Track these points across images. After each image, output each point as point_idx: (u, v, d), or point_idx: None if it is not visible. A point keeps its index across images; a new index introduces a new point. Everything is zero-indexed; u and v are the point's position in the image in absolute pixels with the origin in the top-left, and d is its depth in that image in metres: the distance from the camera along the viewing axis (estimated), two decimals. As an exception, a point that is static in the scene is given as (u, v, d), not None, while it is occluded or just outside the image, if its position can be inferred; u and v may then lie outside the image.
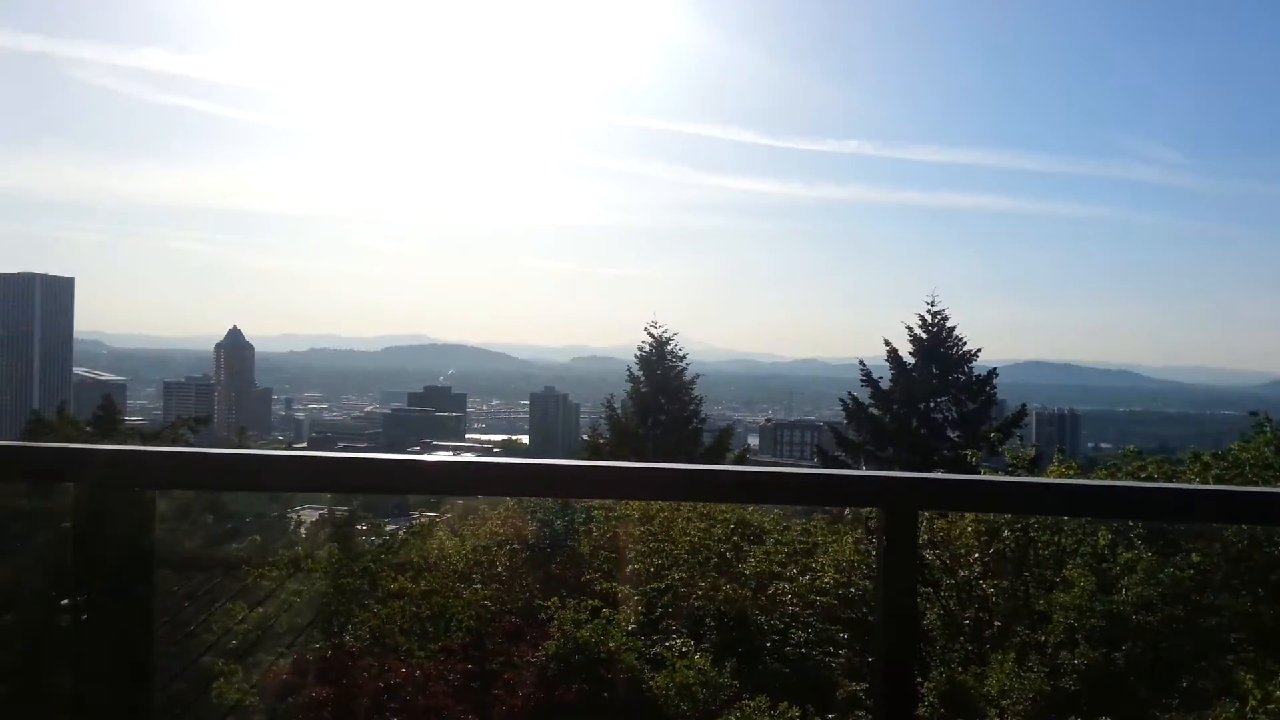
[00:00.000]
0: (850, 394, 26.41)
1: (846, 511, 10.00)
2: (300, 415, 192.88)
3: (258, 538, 12.57)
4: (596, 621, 6.89)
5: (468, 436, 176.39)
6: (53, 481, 4.32)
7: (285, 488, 8.69)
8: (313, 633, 7.90)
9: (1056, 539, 8.41)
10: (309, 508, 17.06)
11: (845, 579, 8.58)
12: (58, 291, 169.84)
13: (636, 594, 8.54)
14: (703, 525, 9.35)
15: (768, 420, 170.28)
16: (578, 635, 6.76)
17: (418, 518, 16.03)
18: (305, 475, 2.42)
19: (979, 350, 26.43)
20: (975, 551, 8.35)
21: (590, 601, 7.33)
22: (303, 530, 14.92)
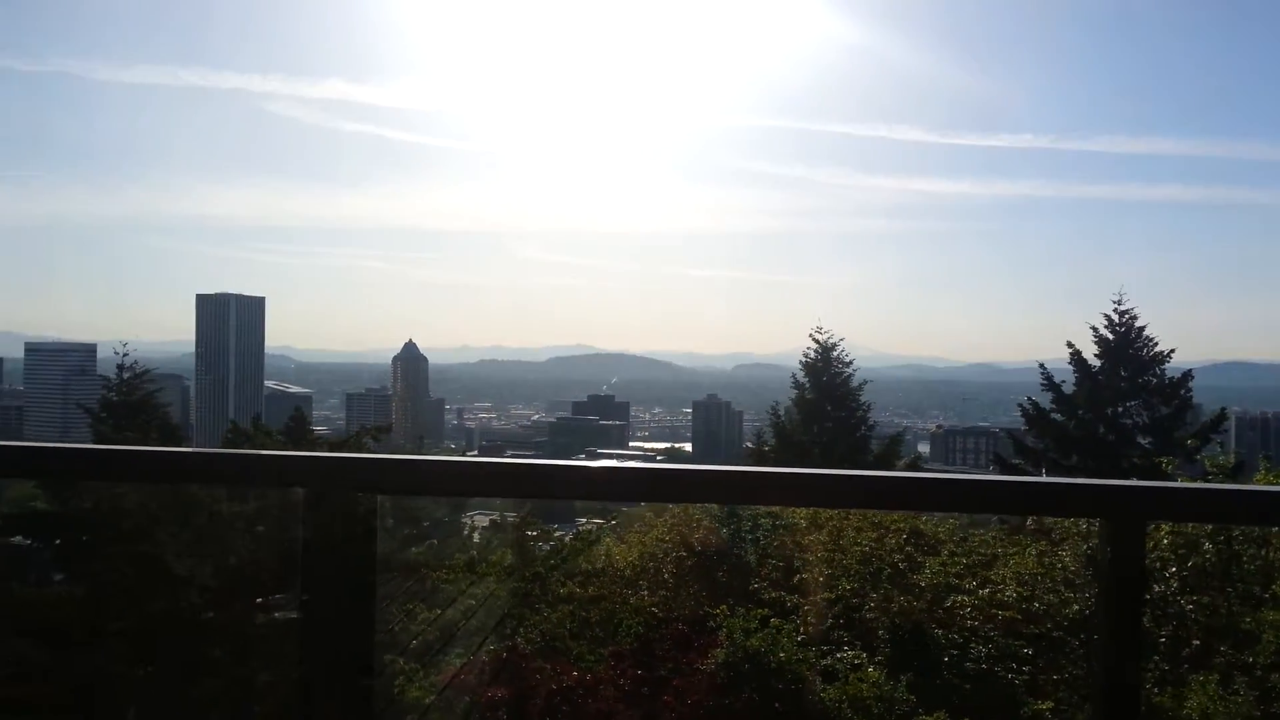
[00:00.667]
0: (1029, 399, 25.28)
1: (1028, 521, 9.53)
2: (471, 424, 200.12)
3: (435, 542, 13.07)
4: (766, 630, 6.80)
5: (630, 444, 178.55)
6: (285, 488, 4.62)
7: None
8: (488, 635, 8.11)
9: (1264, 553, 7.80)
10: (480, 513, 17.62)
11: (1028, 592, 8.18)
12: (250, 310, 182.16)
13: (806, 604, 8.38)
14: (874, 535, 9.10)
15: (939, 427, 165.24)
16: (747, 644, 6.69)
17: (585, 524, 16.30)
18: (511, 483, 2.50)
19: (1172, 351, 24.77)
20: (1172, 565, 7.83)
21: (759, 611, 7.25)
22: (476, 536, 15.41)
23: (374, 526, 2.32)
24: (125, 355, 14.24)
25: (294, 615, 11.51)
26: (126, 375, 14.26)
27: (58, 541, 12.71)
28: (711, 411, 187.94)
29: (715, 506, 9.91)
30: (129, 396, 14.26)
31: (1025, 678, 7.71)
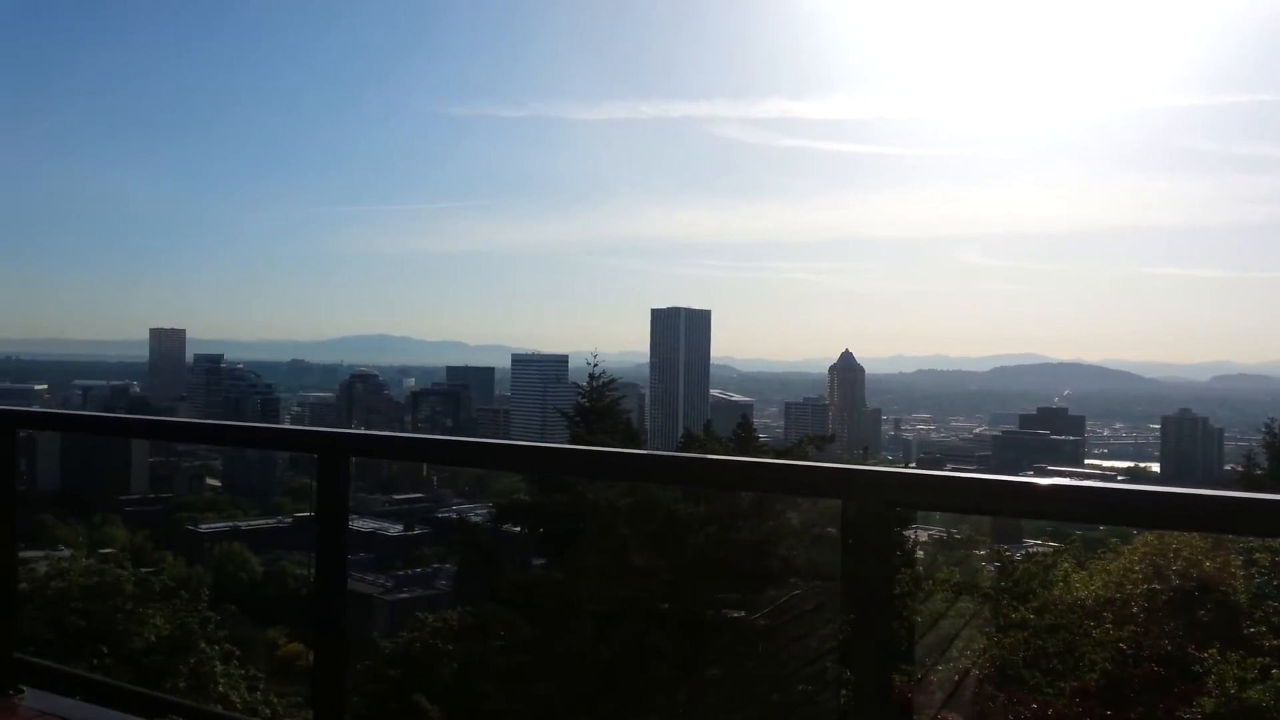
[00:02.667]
0: None
1: None
2: (909, 436, 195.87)
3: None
4: (1268, 683, 5.88)
5: (1086, 462, 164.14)
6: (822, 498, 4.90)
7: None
8: (936, 655, 7.85)
9: None
10: (921, 527, 17.11)
11: None
12: (698, 323, 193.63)
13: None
14: None
15: None
16: (1244, 696, 5.82)
17: (1036, 546, 15.21)
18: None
19: None
20: None
21: (1258, 660, 6.29)
22: (919, 551, 14.99)
23: (896, 541, 2.38)
24: (595, 365, 15.77)
25: (738, 614, 12.04)
26: (596, 383, 15.76)
27: (540, 530, 14.34)
28: (1184, 428, 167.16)
29: (1197, 536, 8.76)
30: (598, 403, 15.74)
31: None
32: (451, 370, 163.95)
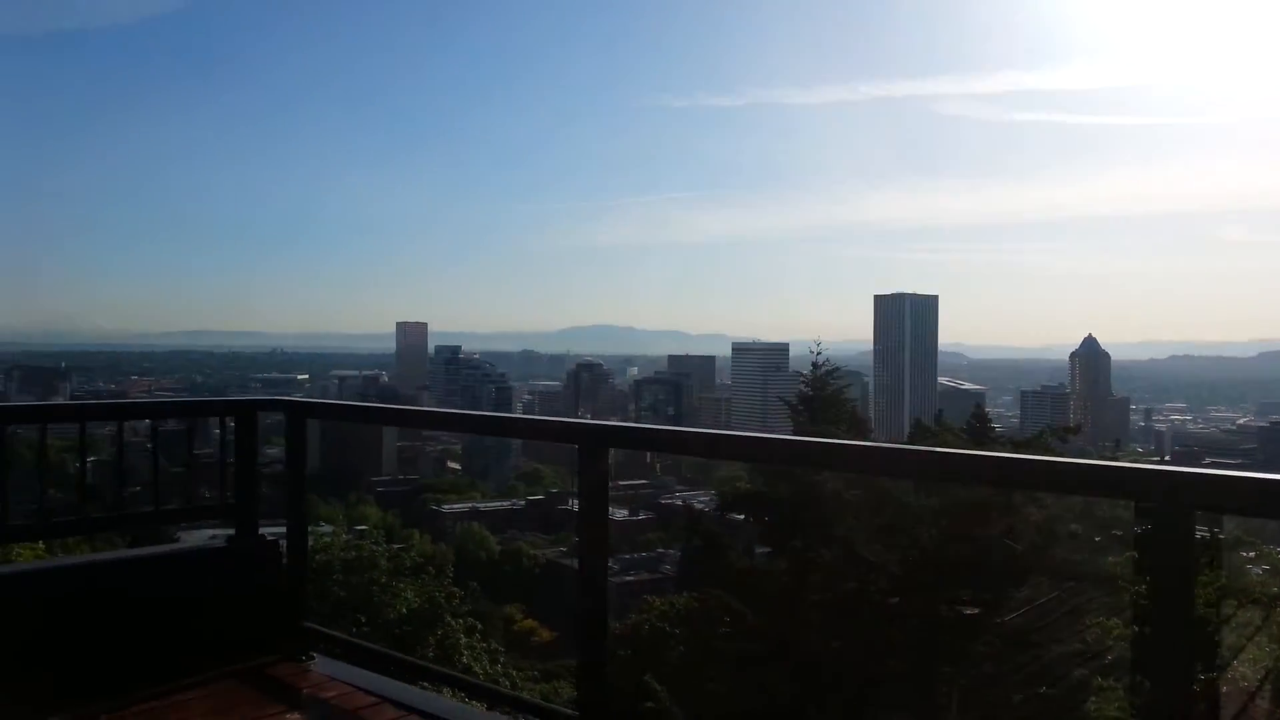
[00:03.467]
0: None
1: None
2: (1161, 427, 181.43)
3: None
4: None
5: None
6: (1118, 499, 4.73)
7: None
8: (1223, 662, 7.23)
9: None
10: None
11: None
12: (924, 309, 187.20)
13: None
14: None
15: None
16: None
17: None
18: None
19: None
20: None
21: None
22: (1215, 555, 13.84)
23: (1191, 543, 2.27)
24: (818, 354, 15.54)
25: (973, 612, 11.55)
26: (819, 371, 15.52)
27: (765, 519, 14.30)
28: None
29: None
30: (821, 391, 15.51)
31: None
32: (673, 359, 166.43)
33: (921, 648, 11.03)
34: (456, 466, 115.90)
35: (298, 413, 5.43)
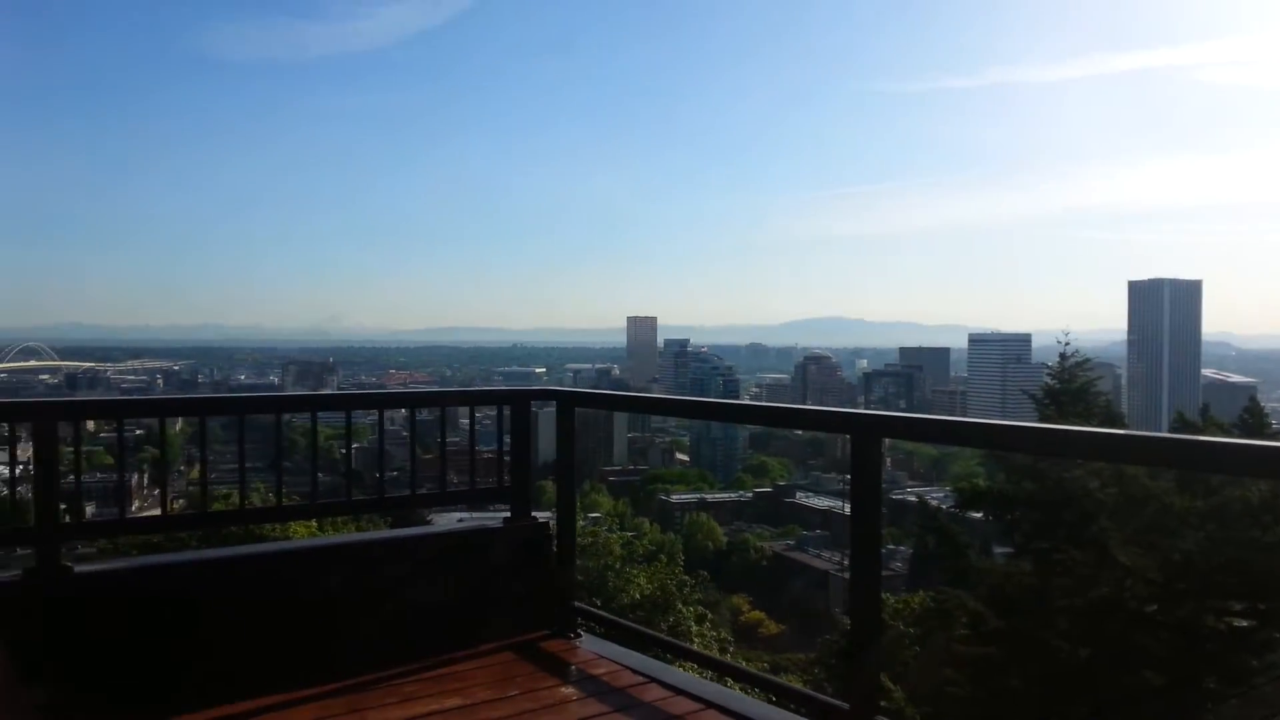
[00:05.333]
0: None
1: None
2: None
3: None
4: None
5: None
6: None
7: None
8: None
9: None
10: None
11: None
12: (1185, 295, 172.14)
13: None
14: None
15: None
16: None
17: None
18: None
19: None
20: None
21: None
22: None
23: None
24: (1066, 344, 14.64)
25: (1244, 624, 10.54)
26: (1067, 363, 14.63)
27: (1007, 517, 13.66)
28: None
29: None
30: (1069, 384, 14.61)
31: None
32: (904, 351, 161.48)
33: (1182, 660, 10.21)
34: (685, 458, 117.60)
35: (568, 402, 5.67)
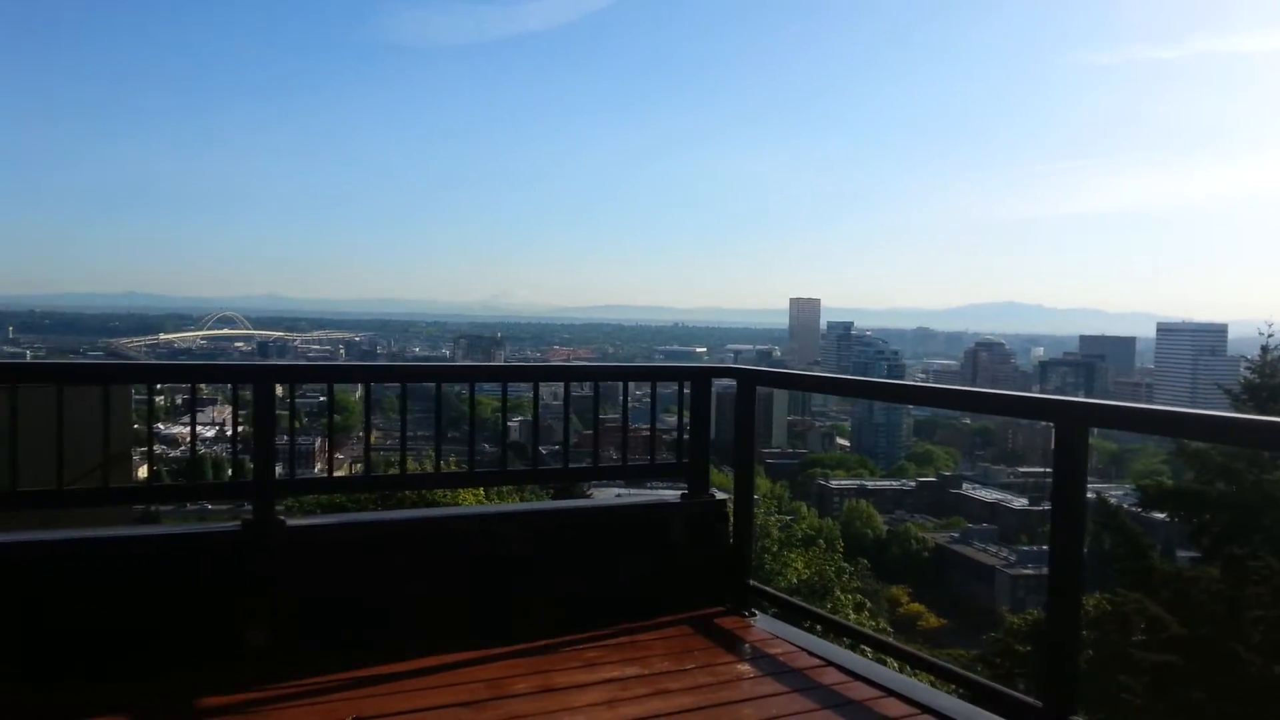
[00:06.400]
0: None
1: None
2: None
3: None
4: None
5: None
6: None
7: None
8: None
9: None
10: None
11: None
12: None
13: None
14: None
15: None
16: None
17: None
18: None
19: None
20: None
21: None
22: None
23: None
24: (1270, 336, 13.54)
25: None
26: (1271, 356, 13.54)
27: (1195, 519, 12.82)
28: None
29: None
30: (1271, 379, 13.53)
31: None
32: (1085, 339, 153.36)
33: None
34: (845, 443, 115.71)
35: (749, 380, 5.61)
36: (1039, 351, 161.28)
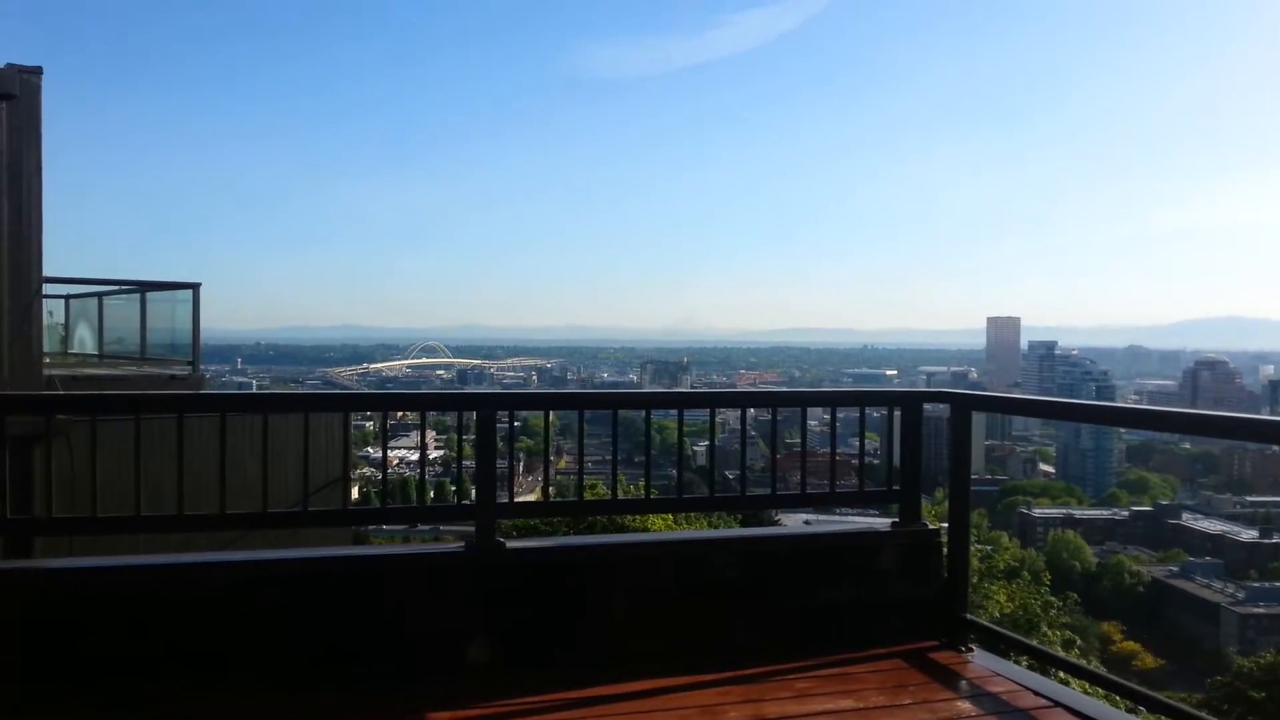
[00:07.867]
0: None
1: None
2: None
3: None
4: None
5: None
6: None
7: None
8: None
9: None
10: None
11: None
12: None
13: None
14: None
15: None
16: None
17: None
18: None
19: None
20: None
21: None
22: None
23: None
24: None
25: None
26: None
27: None
28: None
29: None
30: None
31: None
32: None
33: None
34: (1050, 469, 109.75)
35: (963, 404, 5.44)
36: (1268, 370, 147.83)
